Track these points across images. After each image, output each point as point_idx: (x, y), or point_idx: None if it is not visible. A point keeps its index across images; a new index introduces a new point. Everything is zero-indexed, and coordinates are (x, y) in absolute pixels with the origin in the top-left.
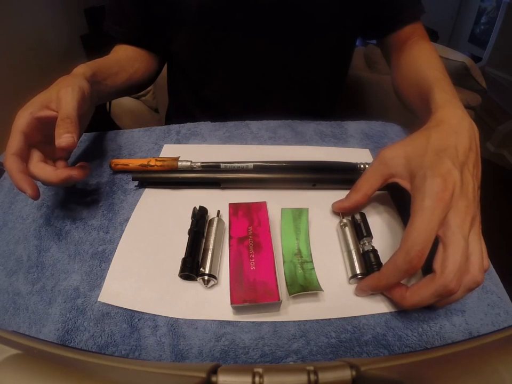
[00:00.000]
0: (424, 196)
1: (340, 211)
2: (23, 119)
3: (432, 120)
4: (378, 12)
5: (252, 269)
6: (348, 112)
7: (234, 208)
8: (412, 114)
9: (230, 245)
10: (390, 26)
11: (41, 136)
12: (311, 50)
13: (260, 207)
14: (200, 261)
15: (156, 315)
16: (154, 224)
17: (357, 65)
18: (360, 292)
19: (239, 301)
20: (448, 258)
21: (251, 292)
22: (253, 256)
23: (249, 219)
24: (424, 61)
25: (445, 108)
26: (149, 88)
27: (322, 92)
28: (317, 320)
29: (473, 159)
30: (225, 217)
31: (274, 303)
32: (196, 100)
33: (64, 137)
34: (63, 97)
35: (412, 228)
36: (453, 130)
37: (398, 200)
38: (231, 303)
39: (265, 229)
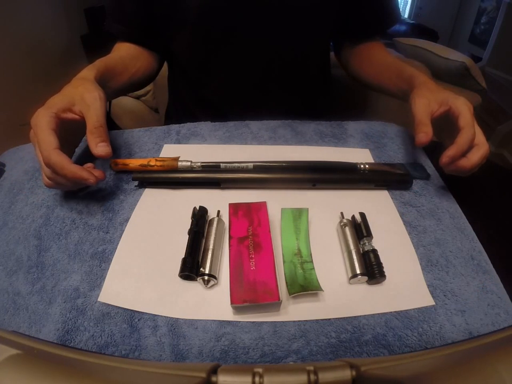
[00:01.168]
0: (466, 116)
1: (424, 144)
2: (48, 117)
3: (418, 81)
4: (371, 13)
5: (251, 269)
6: (348, 112)
7: (234, 208)
8: (373, 89)
9: (230, 245)
10: (380, 29)
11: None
12: (311, 50)
13: (260, 207)
14: (200, 261)
15: (156, 315)
16: (154, 224)
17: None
18: (448, 160)
19: (239, 301)
20: (482, 138)
21: (251, 292)
22: (253, 256)
23: (249, 219)
24: (392, 56)
25: (427, 77)
26: (149, 88)
27: (319, 89)
28: (317, 320)
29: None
30: (225, 217)
31: (274, 303)
32: (196, 100)
33: (100, 146)
34: (92, 104)
35: (470, 128)
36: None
37: (399, 199)
38: (231, 303)
39: (265, 229)
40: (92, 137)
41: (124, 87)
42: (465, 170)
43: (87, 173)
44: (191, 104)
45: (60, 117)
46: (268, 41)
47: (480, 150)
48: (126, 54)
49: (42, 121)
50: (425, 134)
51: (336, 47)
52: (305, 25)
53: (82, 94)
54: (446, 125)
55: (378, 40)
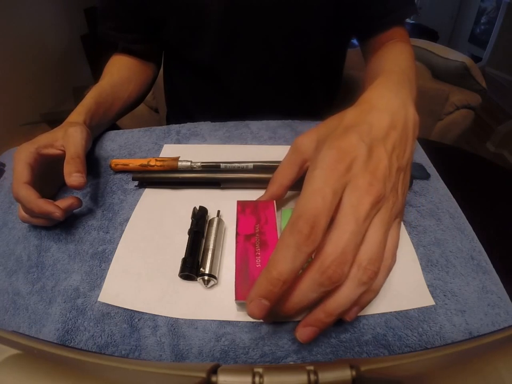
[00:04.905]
0: (315, 166)
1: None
2: (28, 152)
3: (356, 101)
4: (368, 13)
5: (257, 266)
6: None
7: (242, 206)
8: None
9: (236, 242)
10: (377, 28)
11: (38, 174)
12: (309, 51)
13: (268, 206)
14: (200, 261)
15: (156, 315)
16: (154, 224)
17: (357, 65)
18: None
19: (244, 297)
20: (329, 241)
21: None
22: (259, 253)
23: (257, 217)
24: (388, 59)
25: (374, 89)
26: None
27: (319, 92)
28: None
29: (395, 139)
30: (226, 217)
31: None
32: (195, 101)
33: (75, 176)
34: (72, 135)
35: (300, 197)
36: (373, 107)
37: None
38: (235, 299)
39: (272, 227)
40: (67, 167)
41: (117, 116)
42: None
43: (53, 207)
44: (190, 104)
45: (40, 153)
46: (267, 42)
47: (312, 267)
48: (118, 78)
49: (21, 155)
50: None
51: (362, 51)
52: (302, 23)
53: (66, 129)
54: None
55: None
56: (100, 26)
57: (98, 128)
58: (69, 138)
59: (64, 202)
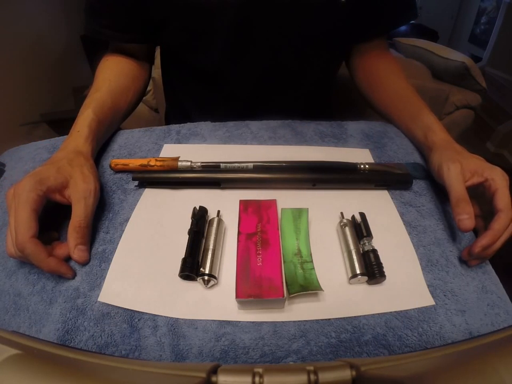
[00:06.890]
0: (505, 195)
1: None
2: (36, 195)
3: (438, 137)
4: (377, 16)
5: (258, 264)
6: (347, 112)
7: (245, 205)
8: (380, 115)
9: (238, 241)
10: (375, 33)
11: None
12: (313, 54)
13: (270, 205)
14: (200, 261)
15: (156, 315)
16: (154, 224)
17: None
18: (481, 250)
19: (244, 295)
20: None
21: (256, 287)
22: (260, 252)
23: (259, 216)
24: (401, 80)
25: (442, 132)
26: (149, 88)
27: (320, 93)
28: (317, 320)
29: None
30: (226, 217)
31: (278, 300)
32: (195, 103)
33: (80, 250)
34: (85, 197)
35: (509, 211)
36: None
37: (399, 199)
38: (236, 297)
39: (274, 226)
40: (74, 235)
41: (118, 124)
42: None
43: (66, 268)
44: (188, 105)
45: (48, 196)
46: (275, 44)
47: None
48: (117, 88)
49: (28, 197)
50: (469, 216)
51: (346, 56)
52: (307, 24)
53: (77, 180)
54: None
55: (388, 51)
56: (89, 24)
57: (98, 146)
58: (80, 199)
59: (62, 252)
